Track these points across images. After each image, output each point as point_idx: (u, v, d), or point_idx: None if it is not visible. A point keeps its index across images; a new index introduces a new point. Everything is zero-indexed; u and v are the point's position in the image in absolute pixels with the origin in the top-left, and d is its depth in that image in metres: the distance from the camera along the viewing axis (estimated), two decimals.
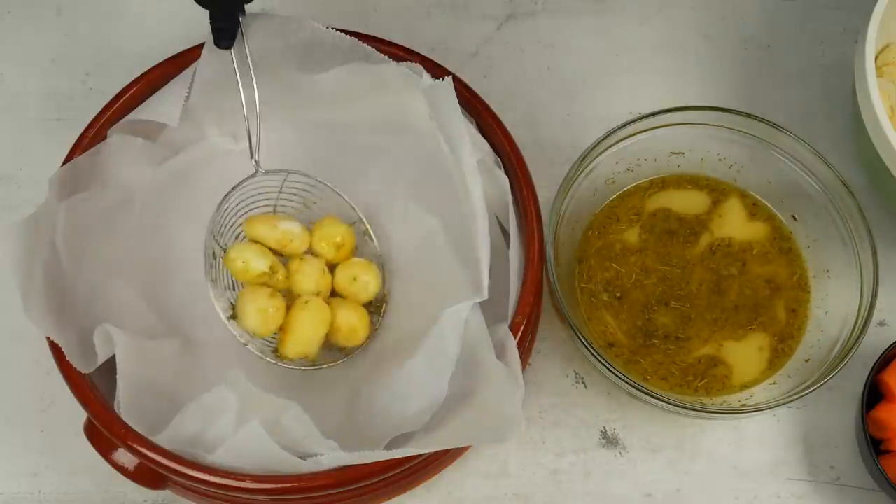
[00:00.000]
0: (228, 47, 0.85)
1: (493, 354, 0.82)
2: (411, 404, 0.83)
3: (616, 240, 0.96)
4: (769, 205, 0.96)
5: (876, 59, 0.95)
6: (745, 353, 0.93)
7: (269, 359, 0.90)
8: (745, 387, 0.92)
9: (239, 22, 0.86)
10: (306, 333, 0.89)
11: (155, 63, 0.93)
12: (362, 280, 0.92)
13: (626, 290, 0.94)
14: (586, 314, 0.95)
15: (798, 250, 0.96)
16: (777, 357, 0.93)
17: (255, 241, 0.91)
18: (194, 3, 1.08)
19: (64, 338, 0.83)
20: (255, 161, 0.89)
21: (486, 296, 0.83)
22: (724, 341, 0.92)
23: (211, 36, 0.89)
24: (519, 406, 0.80)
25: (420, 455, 0.81)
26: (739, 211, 0.95)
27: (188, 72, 0.92)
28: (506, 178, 0.89)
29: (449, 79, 0.85)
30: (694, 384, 0.93)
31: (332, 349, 0.92)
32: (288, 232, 0.91)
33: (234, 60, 0.86)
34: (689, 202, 0.95)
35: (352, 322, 0.91)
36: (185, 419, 0.81)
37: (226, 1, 0.84)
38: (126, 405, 0.83)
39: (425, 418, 0.83)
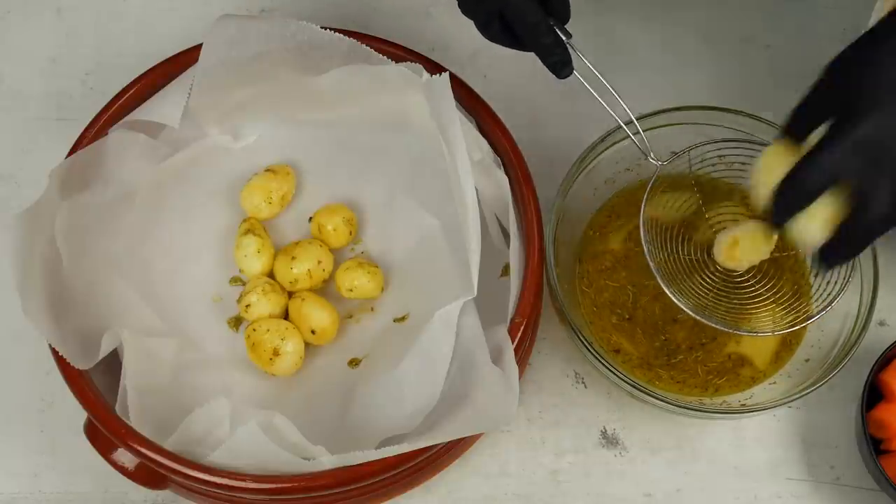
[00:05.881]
0: (570, 73, 0.85)
1: (488, 357, 0.82)
2: (406, 405, 0.83)
3: (607, 250, 0.96)
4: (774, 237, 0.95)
5: None
6: (759, 342, 0.93)
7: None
8: (757, 380, 0.93)
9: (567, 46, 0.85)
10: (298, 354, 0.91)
11: (155, 63, 0.93)
12: (362, 282, 0.93)
13: (632, 312, 0.94)
14: (587, 317, 0.94)
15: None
16: (783, 350, 0.93)
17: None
18: (194, 3, 1.08)
19: (61, 334, 0.83)
20: (652, 157, 0.90)
21: (475, 293, 0.83)
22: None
23: (211, 34, 0.89)
24: (513, 410, 0.80)
25: (420, 455, 0.81)
26: (739, 210, 0.94)
27: (188, 73, 0.92)
28: (506, 178, 0.89)
29: (446, 74, 0.86)
30: (715, 382, 0.93)
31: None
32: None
33: (581, 78, 0.86)
34: (687, 202, 0.95)
35: (323, 324, 0.91)
36: (190, 424, 0.81)
37: (545, 37, 0.84)
38: (132, 406, 0.83)
39: (419, 419, 0.83)
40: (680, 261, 0.91)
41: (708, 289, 0.90)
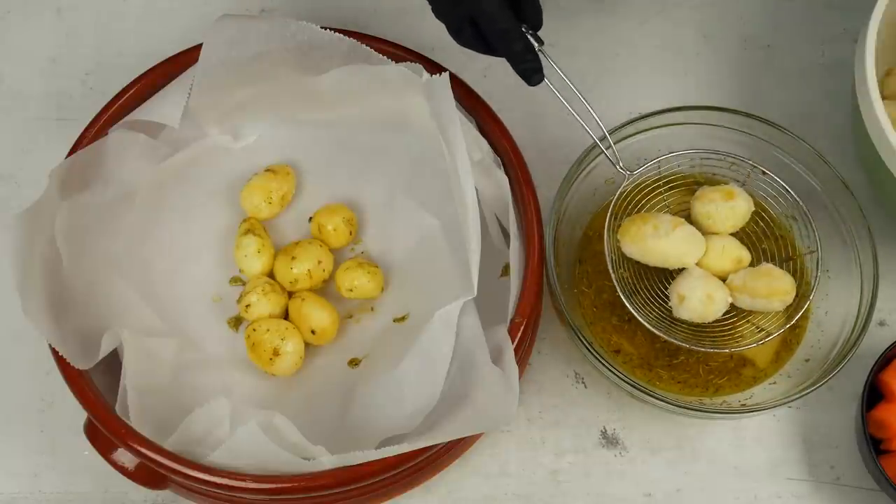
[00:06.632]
0: (541, 80, 0.85)
1: (488, 357, 0.82)
2: (406, 405, 0.83)
3: (603, 250, 0.96)
4: (769, 204, 0.95)
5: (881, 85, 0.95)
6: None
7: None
8: (758, 380, 0.93)
9: (538, 54, 0.85)
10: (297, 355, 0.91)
11: (155, 63, 0.93)
12: (362, 282, 0.93)
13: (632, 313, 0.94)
14: (587, 318, 0.94)
15: (798, 250, 0.96)
16: (783, 350, 0.93)
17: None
18: (194, 3, 1.08)
19: (61, 334, 0.83)
20: (621, 167, 0.91)
21: (475, 293, 0.83)
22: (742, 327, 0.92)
23: (211, 34, 0.89)
24: (513, 410, 0.80)
25: (420, 455, 0.81)
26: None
27: (188, 73, 0.92)
28: (506, 178, 0.89)
29: (446, 74, 0.86)
30: (715, 382, 0.93)
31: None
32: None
33: (552, 86, 0.86)
34: (675, 204, 0.95)
35: (323, 324, 0.91)
36: (190, 424, 0.81)
37: (516, 43, 0.84)
38: (132, 406, 0.83)
39: (419, 419, 0.83)
40: (647, 274, 0.92)
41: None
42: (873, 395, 0.91)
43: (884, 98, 0.90)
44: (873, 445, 0.90)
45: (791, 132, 0.94)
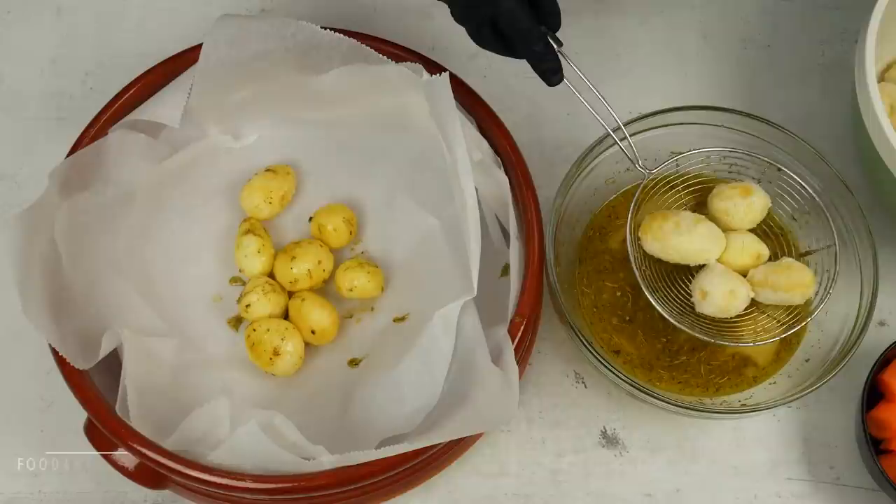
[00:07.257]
0: (560, 80, 0.85)
1: (488, 357, 0.82)
2: (406, 405, 0.83)
3: (606, 250, 0.96)
4: (770, 204, 0.95)
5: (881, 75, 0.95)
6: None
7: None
8: (758, 380, 0.93)
9: (558, 54, 0.85)
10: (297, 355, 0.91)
11: (155, 63, 0.93)
12: (362, 282, 0.93)
13: (633, 314, 0.94)
14: (588, 318, 0.94)
15: (798, 250, 0.96)
16: (783, 349, 0.93)
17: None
18: (194, 3, 1.08)
19: (60, 334, 0.83)
20: (641, 166, 0.91)
21: (475, 293, 0.83)
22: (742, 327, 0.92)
23: (211, 34, 0.89)
24: (513, 410, 0.81)
25: (420, 455, 0.81)
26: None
27: (188, 73, 0.92)
28: (506, 178, 0.89)
29: (446, 74, 0.86)
30: (716, 382, 0.93)
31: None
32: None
33: (571, 86, 0.86)
34: (687, 202, 0.95)
35: (323, 324, 0.91)
36: (190, 424, 0.81)
37: (536, 44, 0.84)
38: (132, 406, 0.83)
39: (419, 419, 0.83)
40: (666, 270, 0.92)
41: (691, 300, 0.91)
42: (873, 395, 0.91)
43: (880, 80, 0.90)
44: (873, 445, 0.90)
45: (791, 132, 0.94)
